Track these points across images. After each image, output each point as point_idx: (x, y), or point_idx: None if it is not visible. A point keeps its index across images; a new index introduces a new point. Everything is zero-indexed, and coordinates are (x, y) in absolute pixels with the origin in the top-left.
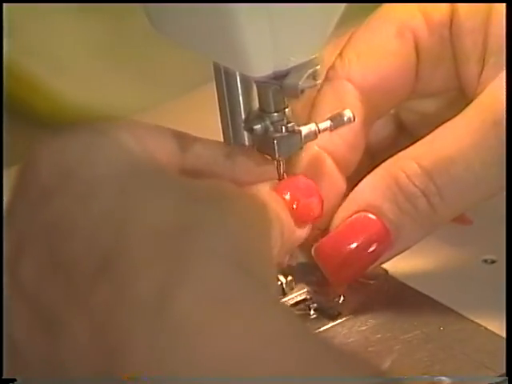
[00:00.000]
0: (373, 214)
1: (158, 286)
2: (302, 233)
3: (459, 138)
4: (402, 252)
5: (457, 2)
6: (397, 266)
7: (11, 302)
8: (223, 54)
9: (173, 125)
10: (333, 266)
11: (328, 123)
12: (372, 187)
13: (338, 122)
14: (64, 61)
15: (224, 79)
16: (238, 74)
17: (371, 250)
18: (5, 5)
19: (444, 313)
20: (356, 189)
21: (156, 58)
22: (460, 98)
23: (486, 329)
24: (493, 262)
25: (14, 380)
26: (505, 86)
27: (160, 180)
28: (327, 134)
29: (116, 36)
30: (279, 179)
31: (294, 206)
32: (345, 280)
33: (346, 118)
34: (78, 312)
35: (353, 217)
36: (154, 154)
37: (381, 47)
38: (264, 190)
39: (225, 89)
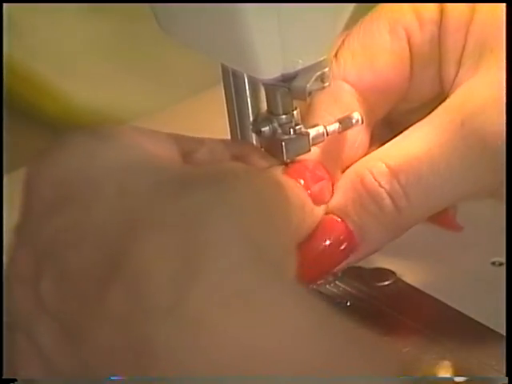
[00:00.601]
0: (338, 215)
1: (170, 284)
2: (320, 210)
3: (427, 138)
4: (369, 255)
5: (453, 2)
6: (405, 268)
7: (36, 318)
8: (231, 56)
9: (181, 127)
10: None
11: (336, 125)
12: (338, 188)
13: (346, 124)
14: (72, 62)
15: (232, 81)
16: (245, 76)
17: (336, 252)
18: (13, 5)
19: (452, 315)
20: None
21: (164, 60)
22: None
23: (493, 331)
24: (501, 264)
25: (15, 380)
26: (505, 86)
27: (158, 175)
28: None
29: (125, 38)
30: None
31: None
32: (308, 281)
33: (354, 121)
34: (97, 319)
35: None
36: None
37: (374, 45)
38: (277, 172)
39: (233, 91)
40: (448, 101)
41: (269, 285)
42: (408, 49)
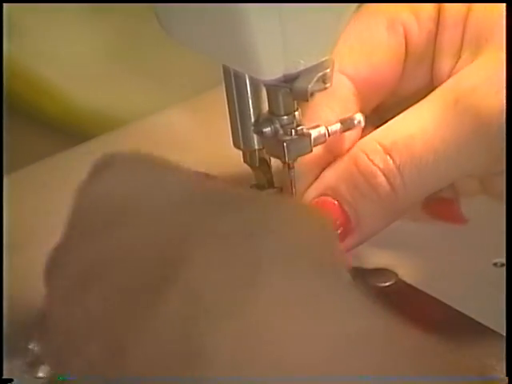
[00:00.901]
0: (332, 197)
1: (229, 291)
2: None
3: (421, 117)
4: (366, 239)
5: (454, 2)
6: (406, 268)
7: (81, 329)
8: (233, 57)
9: (182, 128)
10: None
11: (338, 126)
12: (332, 170)
13: (347, 124)
14: (74, 63)
15: (233, 82)
16: (247, 76)
17: None
18: (14, 6)
19: (453, 315)
20: (321, 174)
21: (166, 61)
22: None
23: (494, 331)
24: (503, 265)
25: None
26: (505, 86)
27: (212, 196)
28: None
29: (126, 38)
30: (290, 183)
31: None
32: None
33: (356, 122)
34: (148, 324)
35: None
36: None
37: (372, 40)
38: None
39: (234, 91)
40: (443, 85)
41: (332, 289)
42: (404, 45)
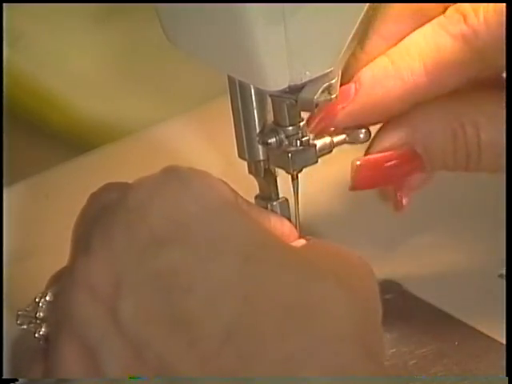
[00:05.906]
0: (419, 151)
1: (285, 361)
2: None
3: None
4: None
5: (457, 2)
6: (411, 279)
7: (106, 336)
8: (238, 68)
9: (187, 137)
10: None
11: (343, 136)
12: (431, 130)
13: (353, 137)
14: (78, 73)
15: (239, 92)
16: (252, 87)
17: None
18: (20, 16)
19: (459, 328)
20: (412, 119)
21: (171, 71)
22: None
23: (501, 344)
24: None
25: (15, 380)
26: (505, 88)
27: (283, 254)
28: None
29: (131, 48)
30: (295, 194)
31: None
32: (365, 184)
33: (361, 135)
34: (197, 368)
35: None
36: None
37: None
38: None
39: (239, 102)
40: None
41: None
42: None
